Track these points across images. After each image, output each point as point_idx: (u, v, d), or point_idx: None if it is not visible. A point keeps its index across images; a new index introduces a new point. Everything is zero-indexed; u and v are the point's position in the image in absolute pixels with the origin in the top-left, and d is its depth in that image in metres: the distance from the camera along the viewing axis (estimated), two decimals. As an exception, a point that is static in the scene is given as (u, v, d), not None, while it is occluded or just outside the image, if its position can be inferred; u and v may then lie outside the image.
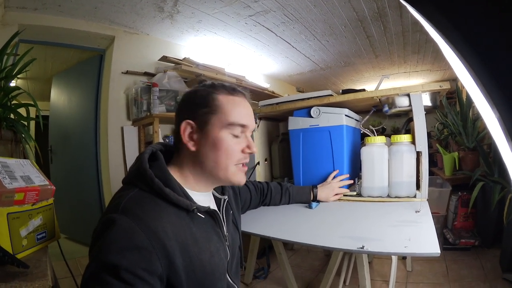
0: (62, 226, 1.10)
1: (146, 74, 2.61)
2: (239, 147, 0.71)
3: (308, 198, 1.26)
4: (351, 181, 1.36)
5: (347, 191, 1.34)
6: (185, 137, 0.69)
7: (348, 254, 1.69)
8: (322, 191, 1.28)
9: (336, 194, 1.30)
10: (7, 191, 0.74)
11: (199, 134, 0.70)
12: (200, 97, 0.71)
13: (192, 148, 0.70)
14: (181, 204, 0.63)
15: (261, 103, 1.64)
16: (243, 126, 0.71)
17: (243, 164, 0.74)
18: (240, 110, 0.72)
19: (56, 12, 2.16)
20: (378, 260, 2.07)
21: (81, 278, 0.53)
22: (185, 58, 2.75)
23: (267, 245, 2.18)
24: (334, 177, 1.34)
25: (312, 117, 1.38)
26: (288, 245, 2.46)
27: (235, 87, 0.74)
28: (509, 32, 0.35)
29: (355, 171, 1.49)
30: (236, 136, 0.71)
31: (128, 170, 0.70)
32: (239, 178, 0.73)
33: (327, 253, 2.33)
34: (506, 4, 0.35)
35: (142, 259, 0.53)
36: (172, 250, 0.57)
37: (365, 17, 2.55)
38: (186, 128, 0.70)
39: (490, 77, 0.34)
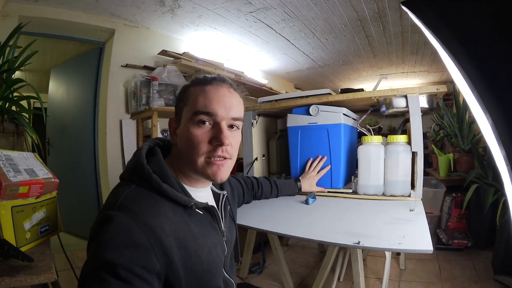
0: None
1: (145, 67, 2.61)
2: (205, 137, 0.65)
3: (295, 191, 1.35)
4: (328, 167, 1.39)
5: (325, 190, 1.38)
6: (171, 132, 0.73)
7: (342, 251, 1.72)
8: (305, 183, 1.36)
9: (319, 186, 1.39)
10: (12, 184, 0.74)
11: (178, 129, 0.71)
12: (180, 92, 0.73)
13: (175, 143, 0.72)
14: (179, 200, 0.63)
15: (260, 99, 1.65)
16: (207, 114, 0.65)
17: (214, 158, 0.66)
18: (208, 98, 0.65)
19: (57, 4, 2.16)
20: (372, 258, 2.11)
21: (79, 275, 0.52)
22: (184, 52, 2.75)
23: (262, 240, 2.20)
24: (311, 165, 1.40)
25: (311, 115, 1.40)
26: (283, 241, 2.48)
27: (215, 77, 0.69)
28: (505, 41, 0.37)
29: (352, 169, 1.51)
30: (201, 127, 0.65)
31: (126, 165, 0.70)
32: (211, 171, 0.66)
33: (322, 249, 2.37)
34: (503, 14, 0.37)
35: (139, 256, 0.53)
36: (170, 247, 0.57)
37: (365, 17, 2.56)
38: (171, 124, 0.73)
39: (484, 84, 0.36)
